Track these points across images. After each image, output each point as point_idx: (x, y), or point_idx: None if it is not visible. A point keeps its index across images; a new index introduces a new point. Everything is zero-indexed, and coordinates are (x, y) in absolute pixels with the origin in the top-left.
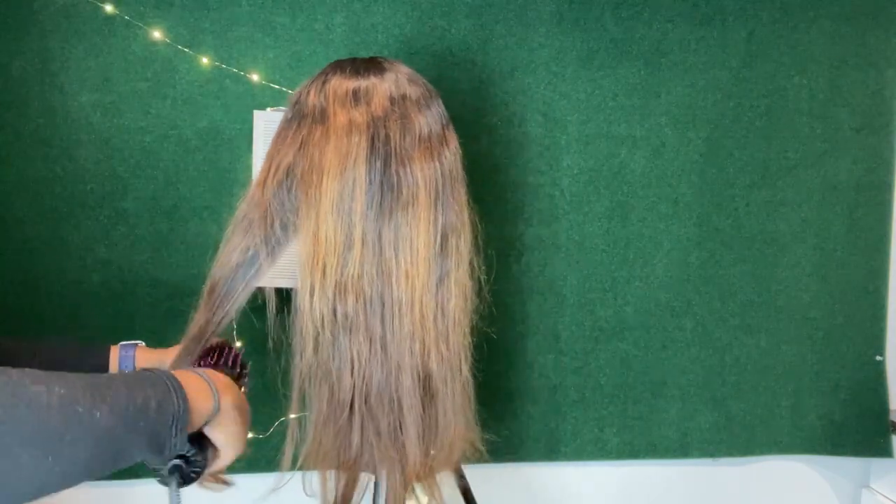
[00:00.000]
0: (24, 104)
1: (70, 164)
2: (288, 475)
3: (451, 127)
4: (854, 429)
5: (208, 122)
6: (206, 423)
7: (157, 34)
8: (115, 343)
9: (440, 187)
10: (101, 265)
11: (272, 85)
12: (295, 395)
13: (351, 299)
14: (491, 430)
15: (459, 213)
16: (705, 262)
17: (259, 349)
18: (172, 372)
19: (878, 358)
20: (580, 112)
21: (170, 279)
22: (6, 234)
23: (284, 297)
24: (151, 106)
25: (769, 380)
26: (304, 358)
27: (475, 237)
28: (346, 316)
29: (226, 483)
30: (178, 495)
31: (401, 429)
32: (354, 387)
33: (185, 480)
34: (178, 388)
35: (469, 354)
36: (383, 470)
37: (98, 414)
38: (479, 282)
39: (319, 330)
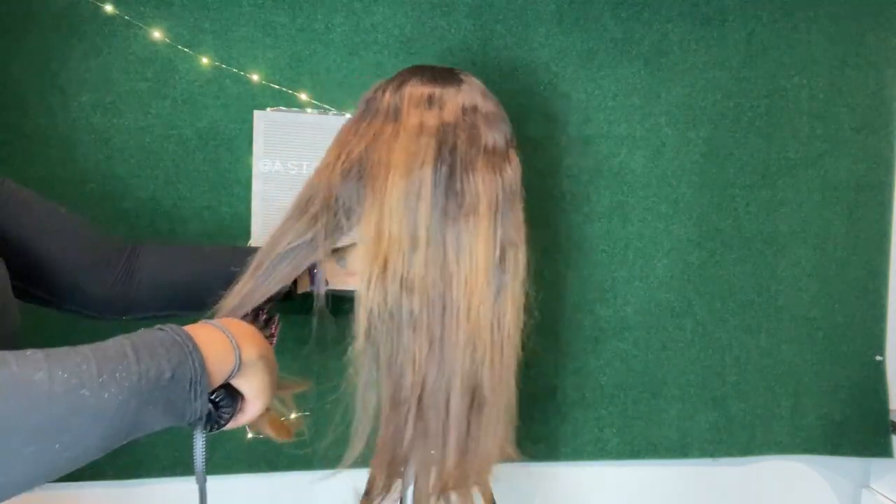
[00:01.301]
0: (24, 104)
1: (70, 164)
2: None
3: (514, 147)
4: (854, 429)
5: (208, 122)
6: (230, 378)
7: (157, 34)
8: None
9: (500, 201)
10: None
11: (272, 85)
12: (360, 382)
13: (416, 298)
14: None
15: (517, 231)
16: (705, 262)
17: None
18: (188, 329)
19: (878, 358)
20: (580, 112)
21: None
22: None
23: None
24: (151, 106)
25: (769, 380)
26: (356, 345)
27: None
28: (411, 313)
29: (289, 432)
30: (204, 439)
31: (444, 432)
32: (413, 385)
33: (213, 426)
34: (194, 350)
35: (518, 370)
36: (421, 470)
37: (106, 395)
38: (528, 299)
39: (373, 319)
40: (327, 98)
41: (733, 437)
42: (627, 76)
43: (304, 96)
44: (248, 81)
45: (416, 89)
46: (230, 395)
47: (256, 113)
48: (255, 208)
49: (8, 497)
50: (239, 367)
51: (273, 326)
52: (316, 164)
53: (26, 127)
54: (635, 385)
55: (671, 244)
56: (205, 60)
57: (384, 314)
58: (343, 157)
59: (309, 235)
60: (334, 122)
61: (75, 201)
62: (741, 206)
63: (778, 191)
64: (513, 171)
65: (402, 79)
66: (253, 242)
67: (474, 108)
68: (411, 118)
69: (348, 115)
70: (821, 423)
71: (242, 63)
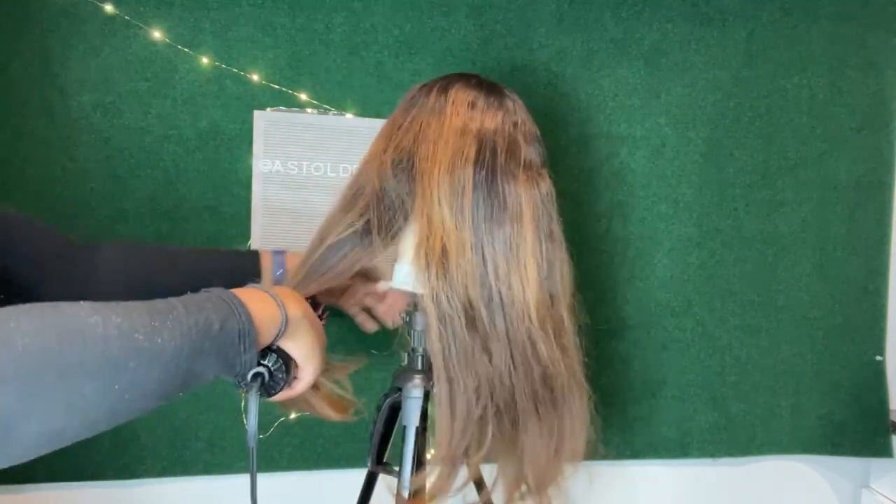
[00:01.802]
0: (24, 104)
1: (70, 164)
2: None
3: (547, 168)
4: (854, 429)
5: (208, 122)
6: (278, 336)
7: (157, 34)
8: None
9: (541, 214)
10: None
11: (272, 85)
12: (444, 378)
13: (479, 293)
14: None
15: (560, 244)
16: (705, 262)
17: None
18: (232, 290)
19: (878, 358)
20: (580, 112)
21: None
22: None
23: None
24: (151, 106)
25: (769, 380)
26: (431, 335)
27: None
28: (479, 308)
29: (346, 410)
30: (257, 404)
31: (518, 432)
32: (496, 381)
33: (267, 392)
34: (240, 305)
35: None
36: (497, 464)
37: (159, 340)
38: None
39: (443, 308)
40: (327, 98)
41: (733, 437)
42: (627, 76)
43: (304, 96)
44: (248, 81)
45: (462, 93)
46: (284, 364)
47: (256, 113)
48: (255, 208)
49: (78, 438)
50: (286, 325)
51: (320, 310)
52: (315, 164)
53: (26, 127)
54: (635, 385)
55: (671, 244)
56: (205, 60)
57: (456, 305)
58: (391, 149)
59: (359, 225)
60: (334, 122)
61: (75, 201)
62: (741, 206)
63: (778, 191)
64: (547, 189)
65: (447, 81)
66: (252, 242)
67: (515, 124)
68: (454, 119)
69: (348, 115)
70: (821, 423)
71: (242, 63)
